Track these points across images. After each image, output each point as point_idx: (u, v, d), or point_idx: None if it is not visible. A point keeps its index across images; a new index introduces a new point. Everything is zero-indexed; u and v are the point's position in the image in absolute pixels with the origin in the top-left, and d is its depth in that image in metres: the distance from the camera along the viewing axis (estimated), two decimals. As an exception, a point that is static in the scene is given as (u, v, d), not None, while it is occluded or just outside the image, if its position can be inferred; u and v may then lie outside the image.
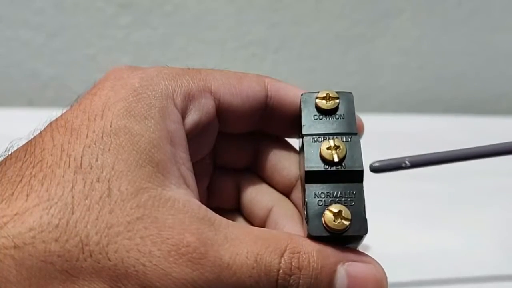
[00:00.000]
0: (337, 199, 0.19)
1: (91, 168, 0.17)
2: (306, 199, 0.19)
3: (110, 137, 0.18)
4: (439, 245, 0.34)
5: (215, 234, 0.17)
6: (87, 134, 0.18)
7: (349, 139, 0.20)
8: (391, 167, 0.22)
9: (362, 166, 0.19)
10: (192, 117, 0.21)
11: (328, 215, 0.18)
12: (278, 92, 0.23)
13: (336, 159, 0.19)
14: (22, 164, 0.18)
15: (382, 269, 0.19)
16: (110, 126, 0.18)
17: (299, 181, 0.23)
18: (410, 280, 0.31)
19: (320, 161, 0.19)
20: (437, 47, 0.55)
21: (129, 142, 0.18)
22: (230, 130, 0.24)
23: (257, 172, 0.25)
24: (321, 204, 0.19)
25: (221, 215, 0.18)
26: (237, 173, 0.25)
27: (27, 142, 0.19)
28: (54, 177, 0.17)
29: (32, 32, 0.51)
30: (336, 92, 0.21)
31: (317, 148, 0.20)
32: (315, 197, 0.19)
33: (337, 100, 0.21)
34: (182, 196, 0.18)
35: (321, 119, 0.21)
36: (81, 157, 0.17)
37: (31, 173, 0.17)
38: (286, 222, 0.23)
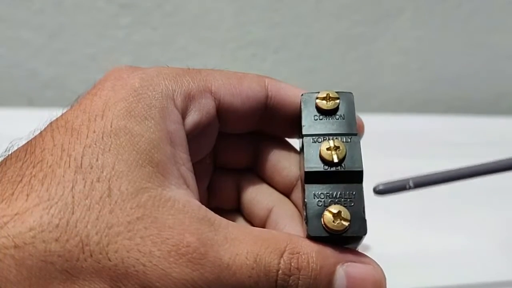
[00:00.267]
0: (336, 200, 0.19)
1: (91, 168, 0.17)
2: (305, 200, 0.19)
3: (110, 137, 0.18)
4: (439, 245, 0.34)
5: (215, 234, 0.17)
6: (87, 134, 0.18)
7: (349, 140, 0.20)
8: (395, 189, 0.22)
9: (362, 167, 0.19)
10: (192, 117, 0.21)
11: (327, 216, 0.18)
12: (279, 92, 0.23)
13: (335, 160, 0.19)
14: (22, 164, 0.18)
15: (381, 270, 0.19)
16: (111, 127, 0.18)
17: (300, 181, 0.23)
18: (410, 280, 0.31)
19: (320, 162, 0.19)
20: (437, 47, 0.55)
21: (129, 142, 0.18)
22: (230, 130, 0.24)
23: (257, 172, 0.25)
24: (320, 204, 0.19)
25: (221, 215, 0.18)
26: (237, 173, 0.25)
27: (27, 142, 0.19)
28: (54, 177, 0.17)
29: (32, 32, 0.51)
30: (336, 92, 0.21)
31: (316, 148, 0.20)
32: (314, 198, 0.19)
33: (337, 101, 0.21)
34: (182, 196, 0.18)
35: (321, 119, 0.21)
36: (82, 157, 0.17)
37: (31, 173, 0.17)
38: (286, 222, 0.23)
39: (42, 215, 0.16)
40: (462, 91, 0.58)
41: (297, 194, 0.24)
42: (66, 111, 0.19)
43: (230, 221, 0.18)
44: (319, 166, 0.19)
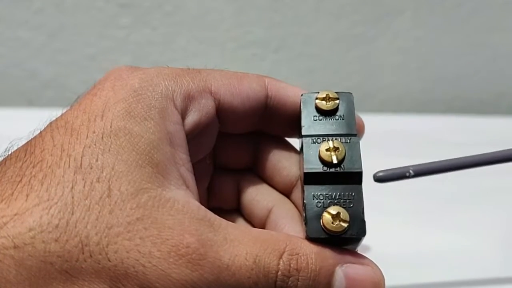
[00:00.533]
0: (335, 201, 0.19)
1: (91, 168, 0.17)
2: (304, 201, 0.19)
3: (110, 137, 0.18)
4: (439, 245, 0.34)
5: (214, 235, 0.17)
6: (87, 135, 0.18)
7: (349, 140, 0.20)
8: (395, 177, 0.22)
9: (361, 168, 0.19)
10: (192, 118, 0.21)
11: (326, 217, 0.18)
12: (278, 92, 0.23)
13: (335, 161, 0.19)
14: (22, 164, 0.18)
15: (380, 271, 0.19)
16: (110, 127, 0.18)
17: (300, 181, 0.23)
18: (410, 280, 0.31)
19: (319, 163, 0.19)
20: (437, 47, 0.55)
21: (129, 143, 0.18)
22: (230, 130, 0.24)
23: (257, 172, 0.25)
24: (319, 205, 0.19)
25: (221, 215, 0.19)
26: (237, 173, 0.25)
27: (27, 142, 0.19)
28: (54, 177, 0.17)
29: (32, 32, 0.51)
30: (336, 92, 0.21)
31: (316, 149, 0.20)
32: (313, 199, 0.19)
33: (337, 101, 0.21)
34: (182, 197, 0.18)
35: (321, 120, 0.21)
36: (81, 157, 0.17)
37: (31, 173, 0.17)
38: (286, 223, 0.23)
39: (41, 216, 0.16)
40: (462, 91, 0.58)
41: (297, 194, 0.24)
42: (66, 111, 0.19)
43: (229, 222, 0.18)
44: (318, 167, 0.19)
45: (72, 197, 0.17)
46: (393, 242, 0.33)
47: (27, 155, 0.18)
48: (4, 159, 0.19)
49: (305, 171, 0.19)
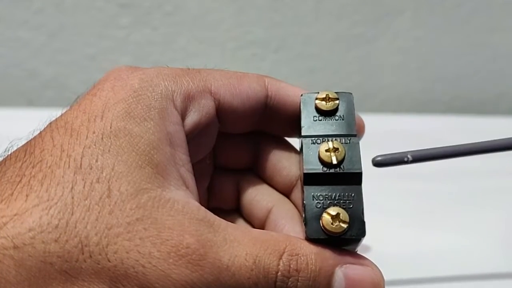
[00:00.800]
0: (335, 202, 0.19)
1: (91, 169, 0.17)
2: (304, 201, 0.19)
3: (110, 138, 0.18)
4: (439, 245, 0.34)
5: (214, 235, 0.17)
6: (87, 135, 0.18)
7: (348, 141, 0.20)
8: (393, 162, 0.22)
9: (361, 169, 0.19)
10: (192, 118, 0.21)
11: (326, 218, 0.18)
12: (278, 92, 0.23)
13: (334, 162, 0.19)
14: (22, 164, 0.18)
15: (380, 272, 0.19)
16: (110, 128, 0.18)
17: (299, 182, 0.23)
18: (409, 281, 0.31)
19: (319, 163, 0.19)
20: (437, 47, 0.55)
21: (128, 143, 0.18)
22: (230, 130, 0.24)
23: (257, 172, 0.25)
24: (319, 206, 0.19)
25: (220, 215, 0.18)
26: (237, 173, 0.25)
27: (27, 142, 0.19)
28: (53, 177, 0.17)
29: (32, 32, 0.51)
30: (336, 92, 0.21)
31: (315, 150, 0.20)
32: (313, 199, 0.19)
33: (337, 101, 0.21)
34: (182, 197, 0.18)
35: (321, 120, 0.21)
36: (81, 157, 0.17)
37: (30, 173, 0.17)
38: (286, 223, 0.23)
39: (41, 216, 0.16)
40: (462, 91, 0.58)
41: (297, 194, 0.24)
42: (66, 112, 0.19)
43: (229, 222, 0.18)
44: (318, 168, 0.19)
45: (72, 198, 0.17)
46: (393, 242, 0.33)
47: (26, 155, 0.18)
48: (4, 159, 0.19)
49: (305, 171, 0.19)
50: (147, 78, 0.20)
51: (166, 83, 0.20)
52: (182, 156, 0.20)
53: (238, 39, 0.53)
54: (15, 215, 0.16)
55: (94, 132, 0.18)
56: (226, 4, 0.51)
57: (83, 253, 0.16)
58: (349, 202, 0.19)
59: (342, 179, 0.19)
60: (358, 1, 0.52)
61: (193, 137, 0.21)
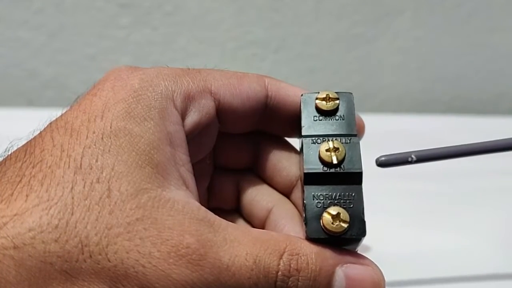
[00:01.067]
0: (335, 201, 0.19)
1: (91, 169, 0.17)
2: (304, 201, 0.19)
3: (110, 138, 0.18)
4: (439, 245, 0.34)
5: (214, 235, 0.17)
6: (87, 135, 0.18)
7: (349, 141, 0.20)
8: (397, 162, 0.22)
9: (361, 168, 0.19)
10: (192, 118, 0.21)
11: (326, 218, 0.18)
12: (278, 92, 0.23)
13: (335, 161, 0.19)
14: (22, 164, 0.18)
15: (380, 272, 0.19)
16: (110, 127, 0.18)
17: (300, 181, 0.23)
18: (409, 281, 0.31)
19: (319, 163, 0.19)
20: (437, 47, 0.55)
21: (129, 143, 0.18)
22: (230, 130, 0.24)
23: (257, 172, 0.25)
24: (319, 206, 0.19)
25: (220, 215, 0.18)
26: (237, 173, 0.25)
27: (27, 142, 0.19)
28: (54, 177, 0.17)
29: (32, 32, 0.51)
30: (336, 92, 0.21)
31: (316, 149, 0.20)
32: (313, 199, 0.19)
33: (337, 101, 0.21)
34: (182, 197, 0.18)
35: (321, 120, 0.21)
36: (81, 157, 0.17)
37: (30, 173, 0.17)
38: (286, 223, 0.23)
39: (41, 216, 0.16)
40: (462, 91, 0.58)
41: (297, 194, 0.24)
42: (66, 112, 0.19)
43: (229, 222, 0.18)
44: (318, 168, 0.19)
45: (72, 198, 0.17)
46: (393, 242, 0.33)
47: (26, 156, 0.18)
48: (4, 159, 0.19)
49: (305, 171, 0.19)
50: (147, 78, 0.20)
51: (166, 83, 0.20)
52: (182, 156, 0.20)
53: (238, 39, 0.53)
54: (15, 215, 0.16)
55: (94, 132, 0.18)
56: (226, 4, 0.51)
57: (83, 253, 0.16)
58: (349, 202, 0.19)
59: (343, 179, 0.19)
60: (358, 1, 0.52)
61: (193, 137, 0.21)
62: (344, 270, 0.18)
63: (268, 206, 0.24)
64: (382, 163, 0.21)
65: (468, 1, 0.52)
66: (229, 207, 0.26)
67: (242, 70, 0.23)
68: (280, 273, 0.17)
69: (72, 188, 0.17)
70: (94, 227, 0.16)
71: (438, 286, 0.31)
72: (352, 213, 0.19)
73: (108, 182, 0.17)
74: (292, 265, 0.18)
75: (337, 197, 0.19)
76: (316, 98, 0.21)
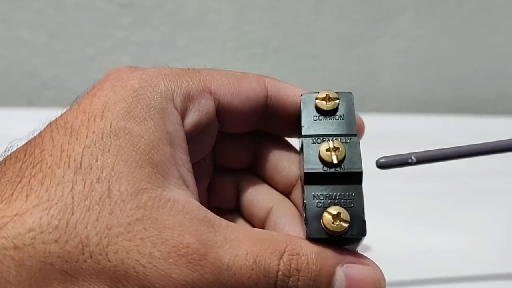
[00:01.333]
0: (336, 201, 0.19)
1: (91, 169, 0.17)
2: (305, 201, 0.19)
3: (110, 138, 0.18)
4: (438, 245, 0.34)
5: (214, 235, 0.17)
6: (87, 135, 0.18)
7: (349, 141, 0.20)
8: (397, 163, 0.22)
9: (361, 168, 0.19)
10: (192, 118, 0.21)
11: (326, 217, 0.18)
12: (278, 92, 0.23)
13: (335, 161, 0.19)
14: (22, 164, 0.18)
15: (380, 271, 0.19)
16: (110, 127, 0.18)
17: (299, 181, 0.23)
18: (409, 280, 0.31)
19: (319, 163, 0.19)
20: (437, 47, 0.55)
21: (129, 143, 0.18)
22: (230, 130, 0.24)
23: (257, 172, 0.25)
24: (320, 205, 0.19)
25: (220, 215, 0.18)
26: (237, 173, 0.25)
27: (27, 142, 0.19)
28: (53, 177, 0.17)
29: (32, 32, 0.51)
30: (336, 92, 0.21)
31: (316, 149, 0.20)
32: (314, 199, 0.19)
33: (337, 101, 0.21)
34: (182, 197, 0.18)
35: (321, 120, 0.21)
36: (81, 157, 0.17)
37: (30, 173, 0.17)
38: (286, 223, 0.23)
39: (41, 216, 0.16)
40: (462, 91, 0.58)
41: (297, 194, 0.24)
42: (66, 112, 0.19)
43: (229, 222, 0.18)
44: (319, 167, 0.19)
45: (72, 198, 0.17)
46: (393, 242, 0.33)
47: (26, 156, 0.18)
48: (3, 159, 0.19)
49: (306, 171, 0.19)
50: (147, 78, 0.20)
51: (166, 83, 0.20)
52: (182, 156, 0.20)
53: (238, 39, 0.53)
54: (15, 215, 0.16)
55: (94, 132, 0.18)
56: (226, 4, 0.51)
57: (83, 253, 0.16)
58: (349, 202, 0.19)
59: (343, 179, 0.19)
60: (358, 0, 0.52)
61: (193, 137, 0.21)
62: (345, 270, 0.18)
63: (268, 206, 0.24)
64: (382, 165, 0.21)
65: (469, 1, 0.52)
66: (229, 207, 0.26)
67: (242, 70, 0.23)
68: (280, 273, 0.17)
69: (72, 188, 0.17)
70: (94, 227, 0.16)
71: (438, 285, 0.31)
72: (353, 213, 0.19)
73: (108, 182, 0.17)
74: (292, 265, 0.18)
75: (337, 197, 0.19)
76: (316, 98, 0.21)
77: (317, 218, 0.19)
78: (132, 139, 0.18)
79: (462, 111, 0.57)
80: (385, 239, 0.32)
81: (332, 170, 0.19)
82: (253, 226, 0.25)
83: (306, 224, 0.19)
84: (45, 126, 0.19)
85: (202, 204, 0.19)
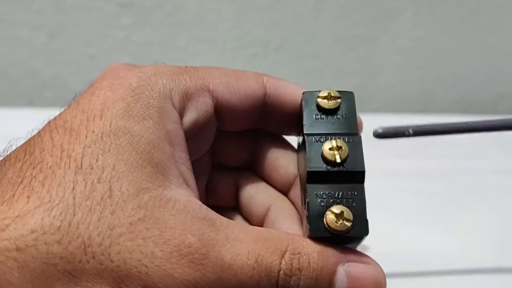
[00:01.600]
0: (338, 200, 0.19)
1: (91, 169, 0.17)
2: (307, 200, 0.19)
3: (110, 137, 0.18)
4: (439, 245, 0.34)
5: (216, 234, 0.17)
6: (86, 135, 0.18)
7: (351, 140, 0.20)
8: (394, 134, 0.22)
9: (364, 167, 0.19)
10: (190, 116, 0.21)
11: (330, 216, 0.18)
12: (277, 90, 0.23)
13: (338, 160, 0.19)
14: (22, 164, 0.18)
15: (382, 270, 0.19)
16: (110, 127, 0.18)
17: (297, 180, 0.23)
18: (409, 280, 0.31)
19: (322, 162, 0.19)
20: (437, 47, 0.55)
21: (129, 142, 0.18)
22: (229, 128, 0.24)
23: (255, 170, 0.25)
24: (322, 204, 0.19)
25: (219, 213, 0.18)
26: (236, 171, 0.25)
27: (26, 142, 0.19)
28: (54, 178, 0.17)
29: (32, 32, 0.51)
30: (338, 91, 0.21)
31: (319, 148, 0.20)
32: (316, 198, 0.19)
33: (339, 100, 0.21)
34: (183, 196, 0.18)
35: (322, 118, 0.21)
36: (82, 157, 0.17)
37: (31, 174, 0.17)
38: (284, 221, 0.23)
39: (43, 217, 0.16)
40: (462, 91, 0.58)
41: (295, 193, 0.24)
42: (64, 111, 0.19)
43: (230, 221, 0.18)
44: (321, 166, 0.19)
45: (74, 198, 0.17)
46: (393, 241, 0.33)
47: (26, 156, 0.18)
48: (3, 159, 0.19)
49: (309, 170, 0.19)
50: (145, 77, 0.20)
51: (164, 82, 0.20)
52: (182, 155, 0.20)
53: (238, 39, 0.53)
54: (17, 216, 0.16)
55: (93, 132, 0.18)
56: (226, 4, 0.51)
57: (86, 254, 0.16)
58: (352, 201, 0.19)
59: (345, 178, 0.19)
60: (358, 0, 0.52)
61: (192, 135, 0.21)
62: (346, 269, 0.18)
63: (266, 204, 0.24)
64: (380, 135, 0.21)
65: (469, 1, 0.52)
66: (227, 205, 0.26)
67: (243, 69, 0.23)
68: (282, 272, 0.17)
69: (73, 188, 0.17)
70: (97, 227, 0.16)
71: (438, 284, 0.31)
72: (355, 212, 0.19)
73: (109, 182, 0.17)
74: (294, 264, 0.18)
75: (340, 196, 0.19)
76: (318, 97, 0.21)
77: (320, 217, 0.19)
78: (132, 139, 0.18)
79: (462, 111, 0.57)
80: (385, 237, 0.32)
81: (335, 169, 0.19)
82: (252, 224, 0.25)
83: (309, 223, 0.19)
84: (44, 125, 0.19)
85: (201, 202, 0.19)
